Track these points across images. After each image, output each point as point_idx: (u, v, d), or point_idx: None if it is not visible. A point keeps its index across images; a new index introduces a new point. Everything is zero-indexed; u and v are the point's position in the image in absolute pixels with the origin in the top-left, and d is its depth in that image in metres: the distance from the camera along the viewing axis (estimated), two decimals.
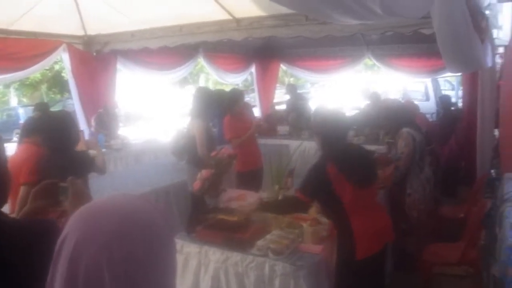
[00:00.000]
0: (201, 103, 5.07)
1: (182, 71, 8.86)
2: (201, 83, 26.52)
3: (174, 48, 6.95)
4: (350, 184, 2.99)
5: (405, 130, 4.66)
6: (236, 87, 9.35)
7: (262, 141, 6.58)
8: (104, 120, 7.55)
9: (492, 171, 5.51)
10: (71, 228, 0.91)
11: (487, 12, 4.96)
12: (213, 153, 3.75)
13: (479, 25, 3.54)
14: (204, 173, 3.47)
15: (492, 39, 5.34)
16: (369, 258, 3.00)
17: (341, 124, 3.26)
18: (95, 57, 7.41)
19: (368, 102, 8.24)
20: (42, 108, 7.90)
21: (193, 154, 4.86)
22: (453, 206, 5.88)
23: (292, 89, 9.83)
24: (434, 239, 4.71)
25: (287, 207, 3.44)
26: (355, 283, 3.06)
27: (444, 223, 5.37)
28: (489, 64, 4.88)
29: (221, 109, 6.03)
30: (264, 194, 3.98)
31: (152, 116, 20.55)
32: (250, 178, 5.56)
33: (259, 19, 5.96)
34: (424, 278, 4.14)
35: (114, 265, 0.86)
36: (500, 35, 8.47)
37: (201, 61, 9.37)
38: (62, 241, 0.90)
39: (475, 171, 5.72)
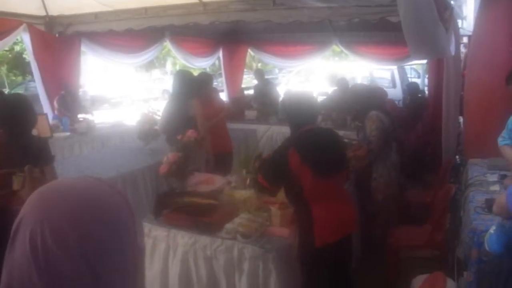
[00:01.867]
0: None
1: (148, 55, 8.71)
2: (168, 67, 26.26)
3: (140, 31, 6.81)
4: (312, 173, 2.92)
5: (373, 113, 4.69)
6: (204, 71, 9.27)
7: (230, 125, 6.52)
8: (67, 102, 7.33)
9: (457, 157, 5.62)
10: (28, 209, 0.88)
11: (452, 2, 5.03)
12: (179, 136, 3.68)
13: (443, 14, 3.58)
14: (170, 156, 3.41)
15: (456, 29, 5.41)
16: (327, 246, 2.95)
17: (307, 107, 3.15)
18: (58, 38, 7.17)
19: (335, 88, 8.27)
20: None
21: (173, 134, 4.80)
22: (420, 191, 5.97)
23: (259, 74, 9.79)
24: (401, 223, 4.77)
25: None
26: (315, 270, 3.05)
27: (411, 208, 5.45)
28: (453, 52, 4.94)
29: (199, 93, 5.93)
30: (232, 178, 3.95)
31: (119, 100, 20.22)
32: (219, 162, 5.52)
33: (226, 3, 5.89)
34: (391, 261, 4.19)
35: (70, 246, 0.83)
36: (464, 25, 8.63)
37: (168, 44, 9.23)
38: (18, 223, 0.87)
39: (440, 157, 5.82)
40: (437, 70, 7.16)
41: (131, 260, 0.94)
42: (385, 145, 4.75)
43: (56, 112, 7.19)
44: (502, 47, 4.66)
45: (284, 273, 3.01)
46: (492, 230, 2.29)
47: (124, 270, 0.91)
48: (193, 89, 5.12)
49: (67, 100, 7.32)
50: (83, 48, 7.54)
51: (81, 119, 7.45)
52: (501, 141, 3.43)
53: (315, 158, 2.95)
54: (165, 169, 3.42)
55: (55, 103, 7.19)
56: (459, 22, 6.71)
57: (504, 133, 3.42)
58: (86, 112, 8.08)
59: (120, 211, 0.93)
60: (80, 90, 7.80)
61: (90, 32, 7.12)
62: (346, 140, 5.70)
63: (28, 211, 0.88)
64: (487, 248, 2.31)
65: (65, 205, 0.87)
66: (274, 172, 3.06)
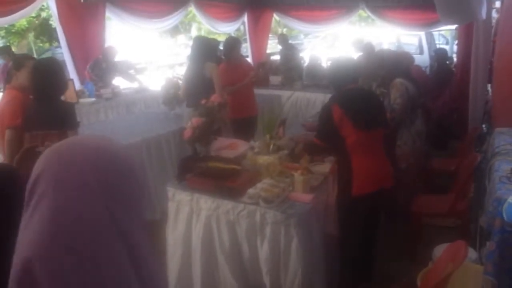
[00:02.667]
0: (206, 47, 5.17)
1: (172, 20, 8.66)
2: (193, 32, 26.12)
3: None
4: (352, 124, 3.18)
5: (398, 80, 4.61)
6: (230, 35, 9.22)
7: (255, 91, 6.51)
8: (102, 67, 7.29)
9: (484, 125, 5.52)
10: (45, 165, 0.91)
11: None
12: (203, 101, 3.69)
13: None
14: (194, 121, 3.43)
15: None
16: (363, 196, 3.21)
17: (347, 69, 3.41)
18: (83, 4, 7.15)
19: (361, 53, 8.13)
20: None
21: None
22: (445, 159, 5.91)
23: (283, 39, 9.67)
24: (425, 191, 4.75)
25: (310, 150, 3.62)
26: (350, 218, 3.28)
27: (435, 176, 5.42)
28: (484, 16, 4.79)
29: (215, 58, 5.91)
30: (255, 144, 3.95)
31: (144, 66, 20.26)
32: (244, 126, 5.61)
33: None
34: (413, 229, 4.19)
35: (90, 191, 0.88)
36: None
37: (193, 9, 9.17)
38: (35, 180, 0.90)
39: (467, 125, 5.73)
40: (466, 36, 6.99)
41: (144, 211, 0.99)
42: (410, 112, 4.68)
43: (90, 77, 7.17)
44: None
45: (306, 238, 3.05)
46: (511, 199, 2.26)
47: (139, 220, 0.96)
48: (210, 52, 5.23)
49: (102, 65, 7.32)
50: (108, 13, 7.53)
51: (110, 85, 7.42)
52: None
53: (355, 111, 3.22)
54: (189, 134, 3.44)
55: (88, 67, 7.18)
56: None
57: None
58: (132, 81, 8.15)
59: (133, 164, 0.99)
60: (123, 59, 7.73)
61: None
62: None
63: (47, 167, 0.90)
64: (505, 218, 2.29)
65: (84, 157, 0.91)
66: (323, 128, 3.33)
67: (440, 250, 3.14)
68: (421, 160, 4.93)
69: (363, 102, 3.36)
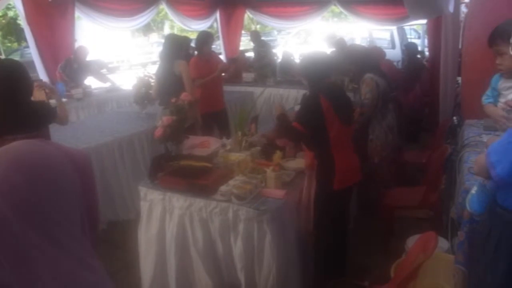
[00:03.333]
0: (176, 45, 5.21)
1: (143, 18, 8.57)
2: (166, 30, 25.94)
3: None
4: (337, 118, 3.21)
5: (368, 75, 4.66)
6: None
7: (227, 88, 6.50)
8: (74, 67, 7.16)
9: (455, 117, 5.60)
10: None
11: None
12: (173, 99, 3.66)
13: None
14: (165, 120, 3.40)
15: None
16: (343, 190, 3.32)
17: (323, 63, 3.41)
18: (51, 3, 7.00)
19: (333, 49, 8.17)
20: None
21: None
22: (416, 151, 5.99)
23: (255, 36, 9.66)
24: (397, 184, 4.81)
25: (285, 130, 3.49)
26: (328, 211, 3.32)
27: (407, 168, 5.49)
28: (451, 10, 4.86)
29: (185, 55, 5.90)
30: (227, 141, 3.94)
31: (116, 65, 20.04)
32: (212, 120, 5.69)
33: None
34: (386, 222, 4.24)
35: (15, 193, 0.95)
36: None
37: (164, 7, 9.09)
38: None
39: (438, 117, 5.81)
40: (436, 30, 7.07)
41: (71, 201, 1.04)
42: (381, 107, 4.73)
43: (60, 77, 7.03)
44: (502, 7, 4.58)
45: (279, 234, 3.05)
46: (473, 190, 2.30)
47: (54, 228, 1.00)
48: (180, 50, 5.28)
49: (74, 65, 7.19)
50: (77, 12, 7.41)
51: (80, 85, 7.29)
52: (485, 99, 3.42)
53: (340, 106, 3.27)
54: (160, 132, 3.41)
55: (59, 68, 7.04)
56: None
57: (488, 92, 3.41)
58: (104, 81, 8.02)
59: (61, 171, 1.04)
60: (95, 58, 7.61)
61: None
62: None
63: None
64: (468, 209, 2.32)
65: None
66: (309, 115, 3.26)
67: (412, 242, 3.17)
68: (393, 153, 4.98)
69: (344, 98, 3.44)
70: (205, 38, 5.84)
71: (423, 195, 4.06)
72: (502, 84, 3.16)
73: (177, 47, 5.16)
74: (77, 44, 7.49)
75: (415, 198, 4.12)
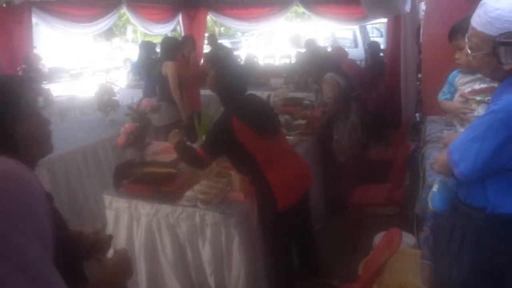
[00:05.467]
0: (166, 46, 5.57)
1: (104, 23, 8.42)
2: (129, 35, 25.67)
3: None
4: (256, 135, 2.96)
5: (329, 75, 4.72)
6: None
7: None
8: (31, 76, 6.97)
9: (417, 114, 5.69)
10: None
11: None
12: (134, 106, 3.62)
13: None
14: (127, 126, 3.36)
15: None
16: (292, 208, 3.03)
17: (238, 76, 3.15)
18: (6, 8, 6.79)
19: (303, 50, 8.20)
20: None
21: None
22: (381, 149, 6.06)
23: (212, 40, 9.58)
24: (363, 182, 4.86)
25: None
26: (279, 233, 3.12)
27: (373, 166, 5.54)
28: (408, 10, 4.94)
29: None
30: (192, 146, 3.92)
31: (79, 71, 19.68)
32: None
33: None
34: (353, 220, 4.27)
35: None
36: None
37: (126, 12, 8.97)
38: None
39: (401, 115, 5.90)
40: (395, 29, 7.18)
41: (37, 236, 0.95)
42: (344, 106, 4.79)
43: None
44: (458, 5, 4.68)
45: (247, 238, 3.06)
46: (434, 188, 2.33)
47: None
48: (169, 51, 5.60)
49: (29, 74, 6.97)
50: (35, 18, 7.22)
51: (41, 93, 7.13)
52: (441, 96, 3.46)
53: (257, 120, 3.00)
54: (123, 140, 3.37)
55: None
56: None
57: (444, 89, 3.45)
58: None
59: (31, 187, 0.96)
60: (40, 62, 7.44)
61: (41, 1, 6.81)
62: (307, 102, 5.75)
63: None
64: (430, 206, 2.36)
65: None
66: (218, 143, 3.02)
67: (379, 238, 3.20)
68: (358, 151, 5.04)
69: (261, 109, 3.18)
70: (177, 45, 5.88)
71: (389, 192, 4.11)
72: (460, 79, 3.21)
73: (167, 48, 5.45)
74: (35, 51, 7.31)
75: (381, 195, 4.17)
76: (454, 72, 3.32)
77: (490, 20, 1.76)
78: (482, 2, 1.83)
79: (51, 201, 1.35)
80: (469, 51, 1.91)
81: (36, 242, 0.92)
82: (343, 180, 4.89)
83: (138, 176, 3.32)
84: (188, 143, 3.58)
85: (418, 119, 5.64)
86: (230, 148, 3.00)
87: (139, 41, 14.49)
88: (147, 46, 8.05)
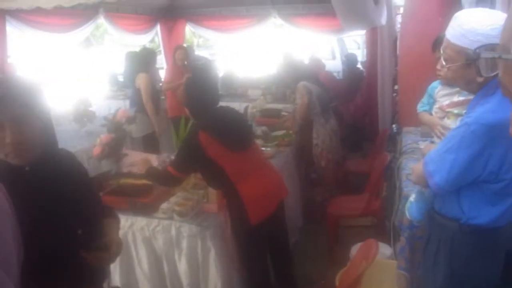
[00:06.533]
0: (140, 60, 5.76)
1: (81, 33, 8.33)
2: (107, 44, 25.48)
3: (71, 8, 6.46)
4: (225, 149, 2.91)
5: (301, 83, 4.83)
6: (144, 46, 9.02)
7: None
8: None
9: (394, 126, 5.75)
10: None
11: None
12: (110, 117, 3.58)
13: None
14: (103, 138, 3.31)
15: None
16: (264, 221, 3.00)
17: (208, 89, 3.12)
18: None
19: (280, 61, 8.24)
20: None
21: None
22: (359, 160, 6.11)
23: (189, 50, 9.51)
24: (341, 192, 4.89)
25: (157, 181, 3.21)
26: (253, 246, 3.07)
27: (350, 177, 5.58)
28: (384, 22, 5.01)
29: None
30: (168, 157, 3.88)
31: (54, 81, 19.44)
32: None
33: None
34: (331, 230, 4.28)
35: None
36: None
37: (103, 22, 8.89)
38: None
39: (378, 126, 5.95)
40: (372, 41, 7.27)
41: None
42: (322, 111, 4.86)
43: None
44: (433, 18, 4.76)
45: (223, 250, 3.03)
46: (412, 198, 2.35)
47: None
48: (140, 63, 5.76)
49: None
50: (8, 27, 7.09)
51: None
52: (420, 107, 3.50)
53: (225, 133, 2.94)
54: (98, 151, 3.32)
55: None
56: None
57: (423, 99, 3.49)
58: None
59: None
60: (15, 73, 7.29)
61: (15, 10, 6.69)
62: (285, 113, 5.77)
63: None
64: (408, 216, 2.37)
65: None
66: (187, 161, 2.99)
67: (356, 249, 3.21)
68: (338, 157, 5.10)
69: (232, 123, 3.10)
70: (150, 57, 6.05)
71: (366, 203, 4.13)
72: (440, 91, 3.25)
73: (140, 61, 5.60)
74: (10, 61, 7.18)
75: (359, 206, 4.18)
76: (434, 83, 3.36)
77: (464, 32, 1.79)
78: (456, 15, 1.86)
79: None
80: (444, 63, 1.93)
81: None
82: (323, 185, 4.92)
83: (113, 188, 3.27)
84: (166, 154, 3.55)
85: (394, 130, 5.70)
86: (200, 163, 2.96)
87: (116, 51, 14.38)
88: (133, 57, 8.00)
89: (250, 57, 15.02)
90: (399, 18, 6.87)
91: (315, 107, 4.82)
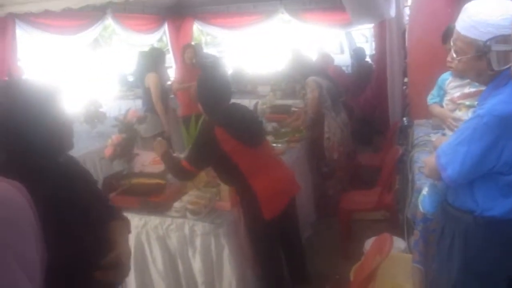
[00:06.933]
0: (149, 59, 5.80)
1: (90, 34, 8.37)
2: (115, 45, 25.55)
3: (80, 9, 6.50)
4: (240, 144, 2.94)
5: (310, 78, 4.84)
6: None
7: None
8: None
9: (404, 118, 5.72)
10: None
11: None
12: (121, 117, 3.60)
13: None
14: (114, 138, 3.33)
15: None
16: (277, 217, 3.03)
17: (220, 86, 3.14)
18: None
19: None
20: None
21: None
22: (370, 154, 6.09)
23: (196, 50, 9.45)
24: (353, 186, 4.88)
25: (172, 173, 3.20)
26: (267, 242, 3.11)
27: (362, 171, 5.57)
28: (393, 15, 4.98)
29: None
30: (180, 155, 3.90)
31: (64, 83, 19.51)
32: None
33: None
34: (343, 225, 4.27)
35: None
36: None
37: (111, 23, 8.91)
38: None
39: (388, 119, 5.92)
40: (381, 34, 7.22)
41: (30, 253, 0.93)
42: (333, 105, 4.87)
43: None
44: (441, 9, 4.72)
45: (237, 247, 3.04)
46: (425, 191, 2.34)
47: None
48: (150, 63, 5.78)
49: None
50: (18, 31, 7.14)
51: None
52: (430, 99, 3.48)
53: (239, 129, 2.98)
54: (110, 151, 3.34)
55: None
56: None
57: (433, 91, 3.47)
58: None
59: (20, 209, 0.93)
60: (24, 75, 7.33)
61: (24, 14, 6.74)
62: (295, 109, 5.77)
63: None
64: (421, 209, 2.36)
65: None
66: (202, 155, 3.00)
67: (370, 244, 3.20)
68: (350, 150, 5.10)
69: (245, 117, 3.17)
70: (158, 56, 6.01)
71: (378, 197, 4.11)
72: (451, 83, 3.22)
73: (148, 60, 5.62)
74: (19, 64, 7.22)
75: (371, 200, 4.17)
76: (445, 75, 3.33)
77: (474, 24, 1.77)
78: (465, 6, 1.84)
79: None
80: (454, 55, 1.92)
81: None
82: (335, 178, 4.92)
83: (126, 188, 3.29)
84: (176, 154, 3.56)
85: (405, 123, 5.66)
86: (215, 159, 2.97)
87: (125, 51, 14.41)
88: (143, 56, 8.02)
89: (259, 53, 14.97)
90: (407, 10, 6.83)
91: (325, 100, 4.84)
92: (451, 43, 1.95)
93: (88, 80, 19.13)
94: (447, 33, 2.99)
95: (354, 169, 5.33)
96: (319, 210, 4.82)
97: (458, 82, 3.12)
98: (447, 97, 3.23)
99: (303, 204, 4.10)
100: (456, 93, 3.10)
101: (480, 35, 1.74)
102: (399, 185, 4.44)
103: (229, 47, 19.94)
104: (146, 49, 7.74)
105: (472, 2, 1.86)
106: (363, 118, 7.16)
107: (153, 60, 5.72)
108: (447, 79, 3.27)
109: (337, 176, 4.95)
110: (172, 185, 3.38)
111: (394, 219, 4.10)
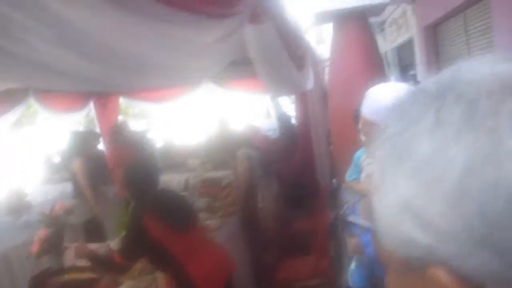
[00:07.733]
0: (78, 142, 5.68)
1: (11, 117, 8.12)
2: (39, 124, 24.89)
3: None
4: (171, 231, 2.91)
5: (240, 152, 4.92)
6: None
7: None
8: None
9: (334, 180, 5.87)
10: None
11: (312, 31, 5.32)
12: (46, 211, 3.48)
13: (295, 52, 3.74)
14: (41, 233, 3.20)
15: (314, 60, 5.72)
16: None
17: (148, 173, 3.10)
18: None
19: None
20: None
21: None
22: (304, 219, 6.13)
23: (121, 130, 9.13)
24: (290, 254, 4.89)
25: (105, 270, 3.13)
26: None
27: (297, 238, 5.59)
28: (310, 86, 5.17)
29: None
30: (113, 244, 3.79)
31: None
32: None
33: None
34: None
35: None
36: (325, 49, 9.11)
37: (33, 104, 8.71)
38: None
39: (319, 182, 6.06)
40: (301, 99, 7.49)
41: None
42: (265, 175, 4.94)
43: None
44: (357, 74, 4.98)
45: None
46: (353, 266, 2.41)
47: None
48: (78, 146, 5.68)
49: None
50: None
51: None
52: (349, 176, 3.57)
53: (170, 216, 2.95)
54: (36, 248, 3.19)
55: None
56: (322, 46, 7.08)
57: (350, 168, 3.54)
58: None
59: None
60: None
61: None
62: (226, 182, 5.81)
63: None
64: (350, 284, 2.42)
65: None
66: (133, 247, 2.91)
67: None
68: (285, 218, 5.15)
69: (174, 205, 3.14)
70: (83, 140, 5.92)
71: (314, 264, 4.15)
72: (366, 159, 3.34)
73: (72, 145, 5.56)
74: None
75: (307, 269, 4.20)
76: (358, 152, 3.46)
77: (375, 108, 1.91)
78: (367, 92, 1.98)
79: None
80: (363, 139, 2.04)
81: None
82: (272, 248, 4.92)
83: (58, 286, 3.14)
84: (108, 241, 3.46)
85: (335, 185, 5.81)
86: (147, 248, 2.90)
87: (50, 130, 14.02)
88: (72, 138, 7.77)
89: (188, 123, 15.08)
90: (327, 71, 7.15)
91: (256, 171, 4.91)
92: (360, 126, 2.08)
93: (10, 165, 18.28)
94: (356, 115, 3.15)
95: (289, 236, 5.35)
96: (257, 282, 4.77)
97: (372, 159, 3.24)
98: (363, 173, 3.34)
99: (241, 278, 4.06)
100: (372, 169, 3.21)
101: (382, 119, 1.87)
102: (333, 252, 4.49)
103: (158, 118, 20.01)
104: (80, 128, 7.60)
105: (373, 88, 2.00)
106: (294, 183, 7.25)
107: (81, 143, 5.57)
108: (361, 156, 3.39)
109: (273, 246, 4.96)
110: (106, 277, 3.26)
111: (331, 285, 4.13)
